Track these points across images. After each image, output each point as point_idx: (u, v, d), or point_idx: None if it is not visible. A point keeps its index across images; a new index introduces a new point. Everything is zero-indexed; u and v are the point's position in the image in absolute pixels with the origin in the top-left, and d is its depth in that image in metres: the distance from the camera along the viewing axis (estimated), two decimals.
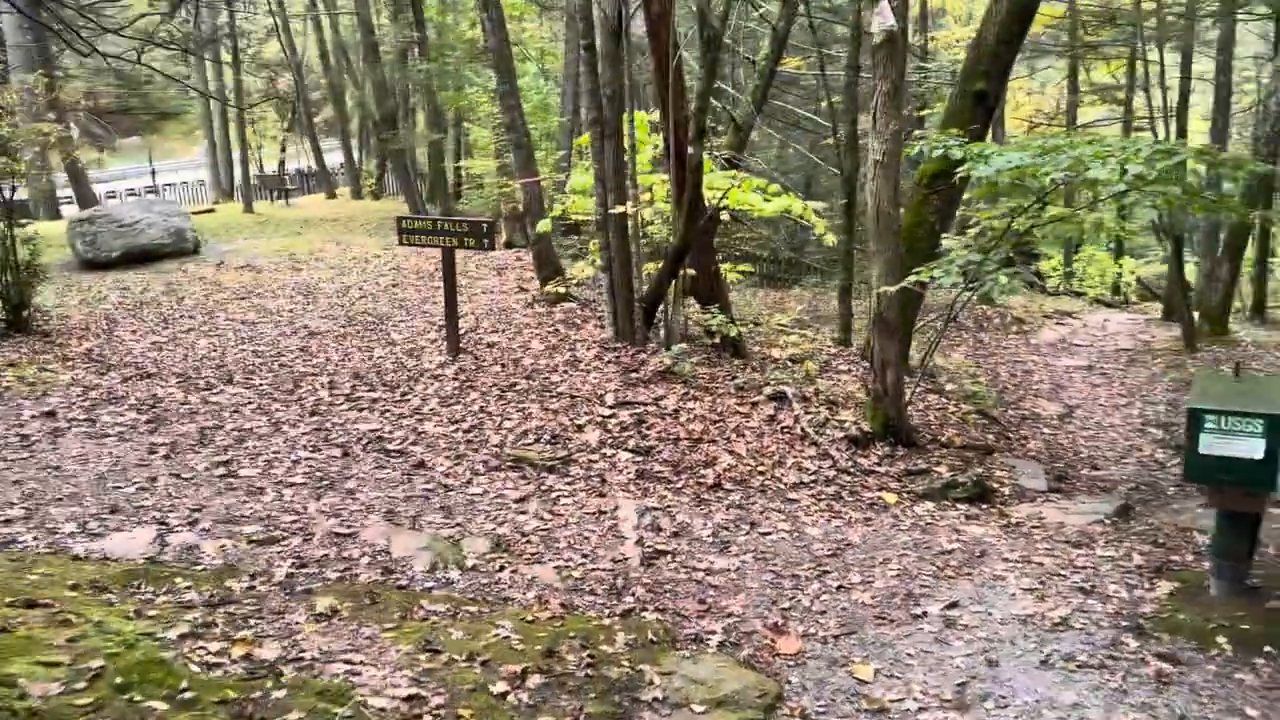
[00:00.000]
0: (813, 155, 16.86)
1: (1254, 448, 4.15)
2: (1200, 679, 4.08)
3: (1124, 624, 4.65)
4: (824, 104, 13.23)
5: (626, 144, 8.52)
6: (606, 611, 4.74)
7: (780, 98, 17.35)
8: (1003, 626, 4.72)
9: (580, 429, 7.19)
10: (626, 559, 5.36)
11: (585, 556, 5.36)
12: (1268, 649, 4.23)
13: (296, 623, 4.21)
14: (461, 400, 7.64)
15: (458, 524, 5.68)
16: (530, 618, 4.52)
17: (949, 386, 9.95)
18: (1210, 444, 4.26)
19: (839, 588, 5.21)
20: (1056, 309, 16.62)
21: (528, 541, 5.51)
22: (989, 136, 10.95)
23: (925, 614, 4.90)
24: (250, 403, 7.65)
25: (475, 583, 4.96)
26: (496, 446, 6.88)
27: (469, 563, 5.16)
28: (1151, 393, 10.91)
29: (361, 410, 7.52)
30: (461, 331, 9.18)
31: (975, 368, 11.68)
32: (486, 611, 4.58)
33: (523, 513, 5.92)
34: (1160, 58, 13.29)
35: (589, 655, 4.15)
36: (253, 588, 4.49)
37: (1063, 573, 5.42)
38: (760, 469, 6.86)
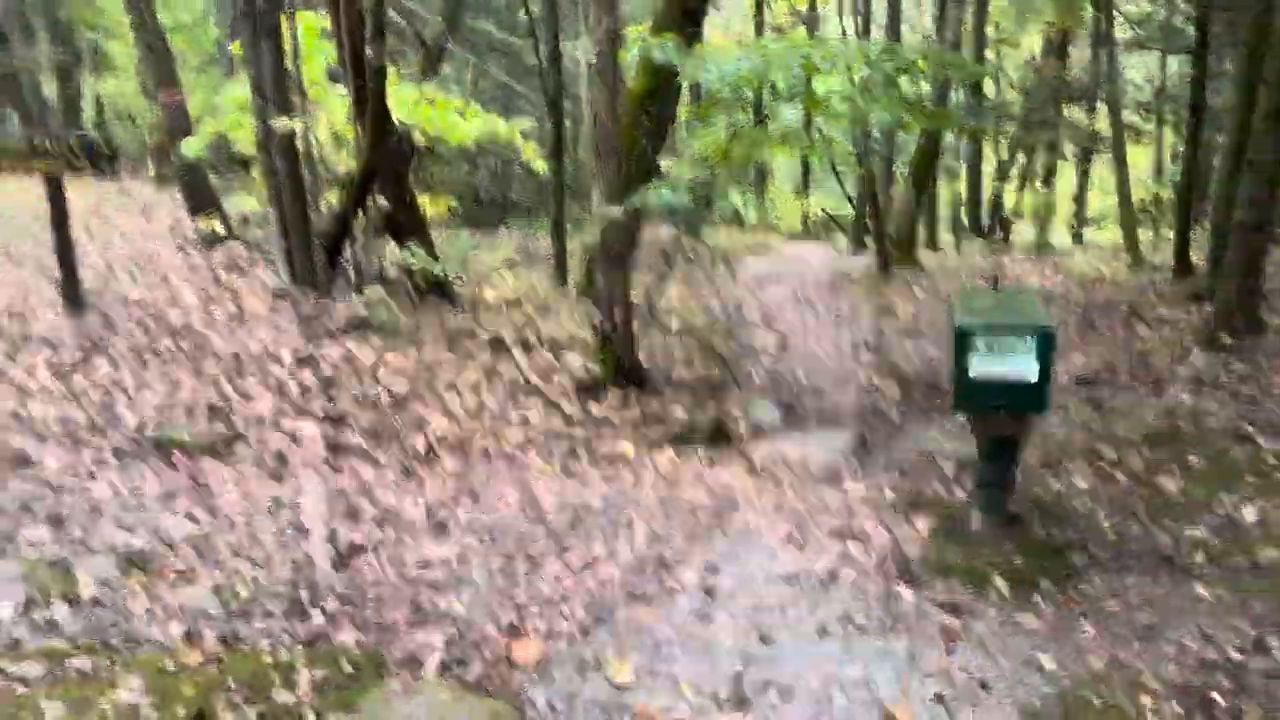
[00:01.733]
0: (511, 81, 15.76)
1: (1027, 367, 3.76)
2: (985, 629, 3.68)
3: (893, 571, 4.22)
4: (522, 16, 12.15)
5: (288, 47, 6.98)
6: (287, 639, 3.58)
7: (474, 20, 16.05)
8: (768, 589, 4.13)
9: (249, 398, 5.77)
10: (313, 562, 4.18)
11: (257, 565, 4.11)
12: (1043, 583, 3.94)
13: None
14: (84, 370, 5.91)
15: (73, 539, 4.19)
16: (174, 665, 3.28)
17: (672, 323, 9.45)
18: (981, 366, 3.84)
19: (583, 565, 4.38)
20: (756, 241, 16.87)
21: (175, 554, 4.15)
22: None
23: (682, 585, 4.20)
24: None
25: (94, 622, 3.59)
26: (134, 428, 5.32)
27: (86, 593, 3.75)
28: (857, 318, 11.11)
29: None
30: (90, 285, 7.26)
31: (691, 301, 11.35)
32: (107, 665, 3.28)
33: (170, 514, 4.51)
34: None
35: (259, 712, 3.01)
36: None
37: (817, 517, 4.96)
38: (481, 429, 5.85)
